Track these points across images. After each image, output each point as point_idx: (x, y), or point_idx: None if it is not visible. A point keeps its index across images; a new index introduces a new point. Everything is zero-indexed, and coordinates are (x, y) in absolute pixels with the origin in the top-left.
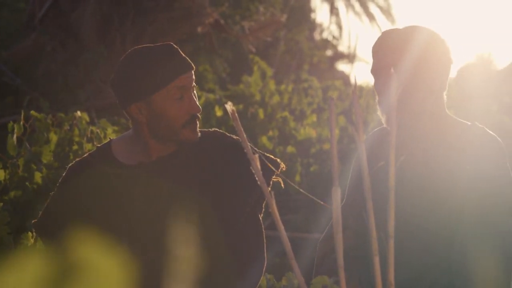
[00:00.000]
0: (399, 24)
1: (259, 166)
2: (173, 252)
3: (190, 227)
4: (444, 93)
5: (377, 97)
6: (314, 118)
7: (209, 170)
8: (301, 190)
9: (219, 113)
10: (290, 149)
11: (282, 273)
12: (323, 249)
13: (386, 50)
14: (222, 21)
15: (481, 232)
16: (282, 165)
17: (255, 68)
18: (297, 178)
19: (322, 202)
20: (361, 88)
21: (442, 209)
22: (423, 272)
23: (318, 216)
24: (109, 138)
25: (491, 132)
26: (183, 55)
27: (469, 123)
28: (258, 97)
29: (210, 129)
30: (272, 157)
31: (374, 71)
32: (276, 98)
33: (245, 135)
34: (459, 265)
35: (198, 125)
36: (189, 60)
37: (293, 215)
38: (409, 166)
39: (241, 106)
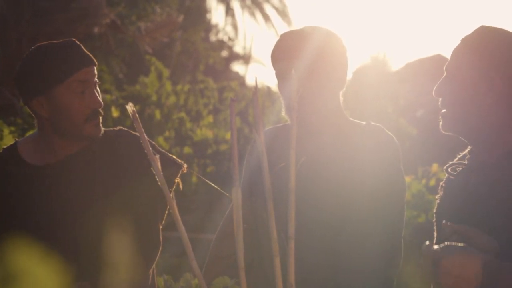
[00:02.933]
0: (295, 25)
1: (159, 167)
2: (85, 251)
3: (98, 227)
4: (341, 93)
5: (281, 99)
6: (210, 119)
7: (117, 168)
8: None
9: (115, 113)
10: (186, 149)
11: (179, 273)
12: (216, 250)
13: (285, 52)
14: (118, 22)
15: (369, 228)
16: (185, 166)
17: (152, 68)
18: (194, 179)
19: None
20: (251, 88)
21: (336, 207)
22: (314, 271)
23: (213, 217)
24: (15, 139)
25: (388, 131)
26: (85, 50)
27: (364, 123)
28: (154, 97)
29: (115, 128)
30: (175, 157)
31: (276, 73)
32: (172, 99)
33: (146, 136)
34: (346, 262)
35: (100, 120)
36: (90, 56)
37: (188, 216)
38: (306, 165)
39: (137, 107)
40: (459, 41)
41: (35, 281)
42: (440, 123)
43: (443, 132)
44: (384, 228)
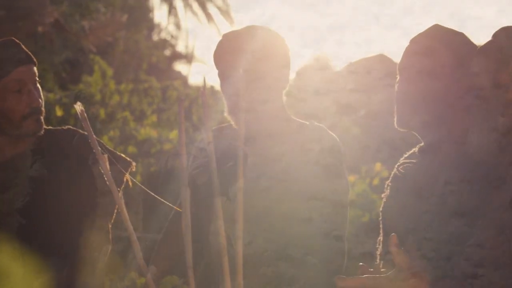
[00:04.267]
0: (238, 25)
1: (108, 166)
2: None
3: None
4: (284, 92)
5: (224, 99)
6: (154, 118)
7: (65, 167)
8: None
9: (59, 113)
10: (131, 149)
11: (121, 272)
12: (162, 250)
13: (228, 52)
14: (62, 21)
15: (312, 227)
16: (133, 165)
17: (96, 68)
18: (138, 178)
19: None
20: (198, 89)
21: (280, 208)
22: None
23: (154, 216)
24: None
25: (330, 131)
26: (24, 49)
27: (307, 122)
28: (98, 97)
29: (64, 127)
30: (123, 156)
31: (219, 73)
32: (116, 98)
33: (94, 136)
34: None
35: (41, 117)
36: (29, 54)
37: (132, 215)
38: (251, 164)
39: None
40: (409, 41)
41: None
42: (395, 119)
43: (397, 127)
44: (327, 227)
